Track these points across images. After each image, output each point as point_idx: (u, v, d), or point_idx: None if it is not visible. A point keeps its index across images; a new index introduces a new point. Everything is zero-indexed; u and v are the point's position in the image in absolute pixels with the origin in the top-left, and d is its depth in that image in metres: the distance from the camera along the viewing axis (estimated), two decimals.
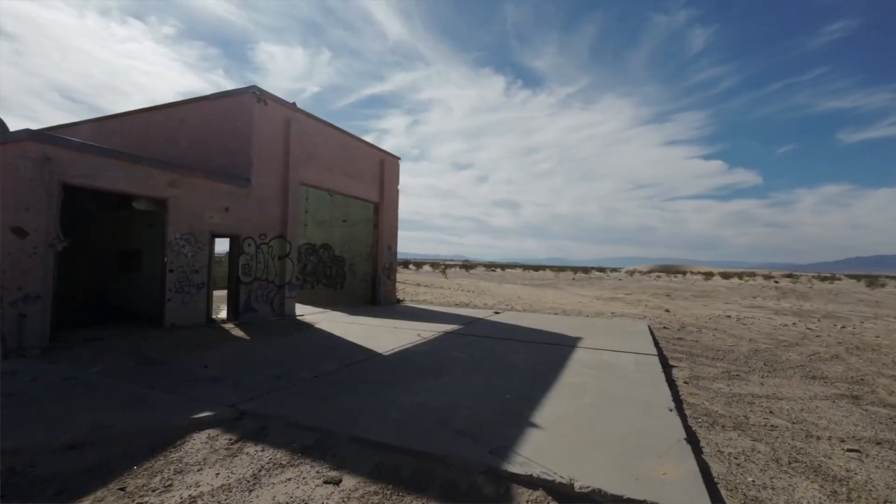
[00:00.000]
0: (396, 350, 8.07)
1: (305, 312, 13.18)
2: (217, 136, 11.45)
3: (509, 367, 7.00)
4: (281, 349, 7.90)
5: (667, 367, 7.44)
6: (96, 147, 7.99)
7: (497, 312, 14.70)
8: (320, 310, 14.03)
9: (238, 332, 9.30)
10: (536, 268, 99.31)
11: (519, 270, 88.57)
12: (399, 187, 17.82)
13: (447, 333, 10.07)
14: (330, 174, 13.85)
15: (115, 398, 4.94)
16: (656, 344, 9.47)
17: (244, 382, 5.71)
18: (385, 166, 16.83)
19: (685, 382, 6.64)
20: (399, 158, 17.99)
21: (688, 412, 5.26)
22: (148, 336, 8.36)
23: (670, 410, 5.02)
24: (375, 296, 16.44)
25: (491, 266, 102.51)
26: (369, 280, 16.93)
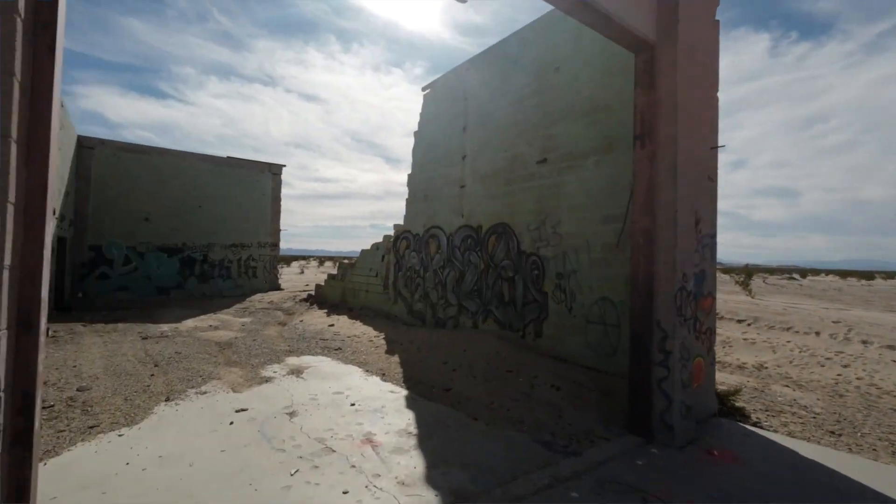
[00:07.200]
0: None
1: None
2: None
3: None
4: None
5: None
6: None
7: None
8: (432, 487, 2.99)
9: None
10: (865, 275, 63.01)
11: (831, 278, 55.65)
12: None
13: None
14: None
15: None
16: None
17: None
18: None
19: None
20: None
21: None
22: None
23: None
24: (649, 409, 4.10)
25: (787, 273, 70.80)
26: (615, 321, 5.00)
